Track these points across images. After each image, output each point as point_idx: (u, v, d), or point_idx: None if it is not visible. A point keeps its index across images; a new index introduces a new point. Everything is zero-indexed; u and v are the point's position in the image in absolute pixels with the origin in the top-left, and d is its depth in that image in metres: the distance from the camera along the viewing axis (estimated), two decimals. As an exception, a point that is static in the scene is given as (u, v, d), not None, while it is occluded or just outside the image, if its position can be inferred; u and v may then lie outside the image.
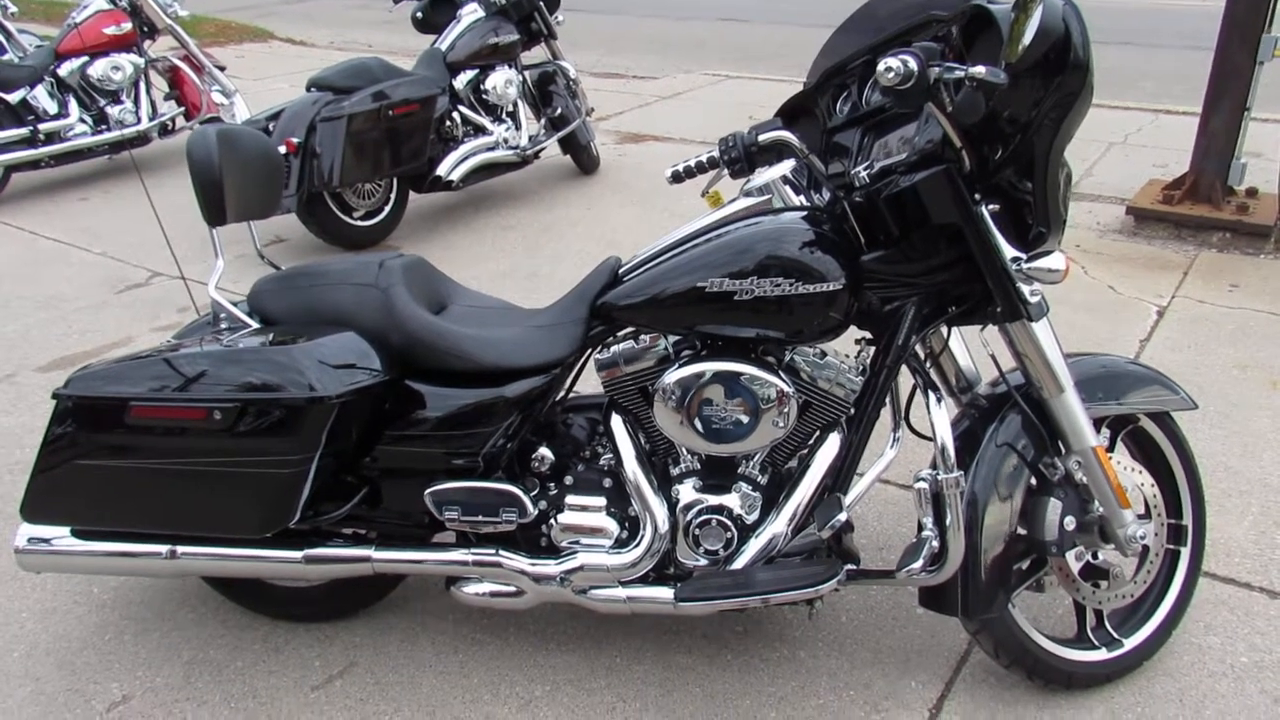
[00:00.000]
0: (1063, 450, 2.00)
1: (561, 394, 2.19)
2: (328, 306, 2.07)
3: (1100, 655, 2.10)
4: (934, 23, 1.84)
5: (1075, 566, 2.04)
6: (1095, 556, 2.06)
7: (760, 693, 2.14)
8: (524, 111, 5.30)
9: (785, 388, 1.91)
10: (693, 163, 2.04)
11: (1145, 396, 2.09)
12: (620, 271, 2.03)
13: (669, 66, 8.82)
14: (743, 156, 1.97)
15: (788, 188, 2.05)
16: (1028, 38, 1.59)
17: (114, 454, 1.93)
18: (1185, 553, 2.19)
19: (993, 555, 1.95)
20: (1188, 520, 2.19)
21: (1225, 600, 2.38)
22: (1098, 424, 2.11)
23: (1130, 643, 2.13)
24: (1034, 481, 2.02)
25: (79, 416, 1.92)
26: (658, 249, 1.99)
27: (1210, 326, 3.80)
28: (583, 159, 5.71)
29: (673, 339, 2.00)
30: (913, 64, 1.59)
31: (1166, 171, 5.22)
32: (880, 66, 1.59)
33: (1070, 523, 2.00)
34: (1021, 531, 2.02)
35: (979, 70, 1.54)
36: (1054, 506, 1.99)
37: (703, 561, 2.04)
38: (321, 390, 1.87)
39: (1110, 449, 2.14)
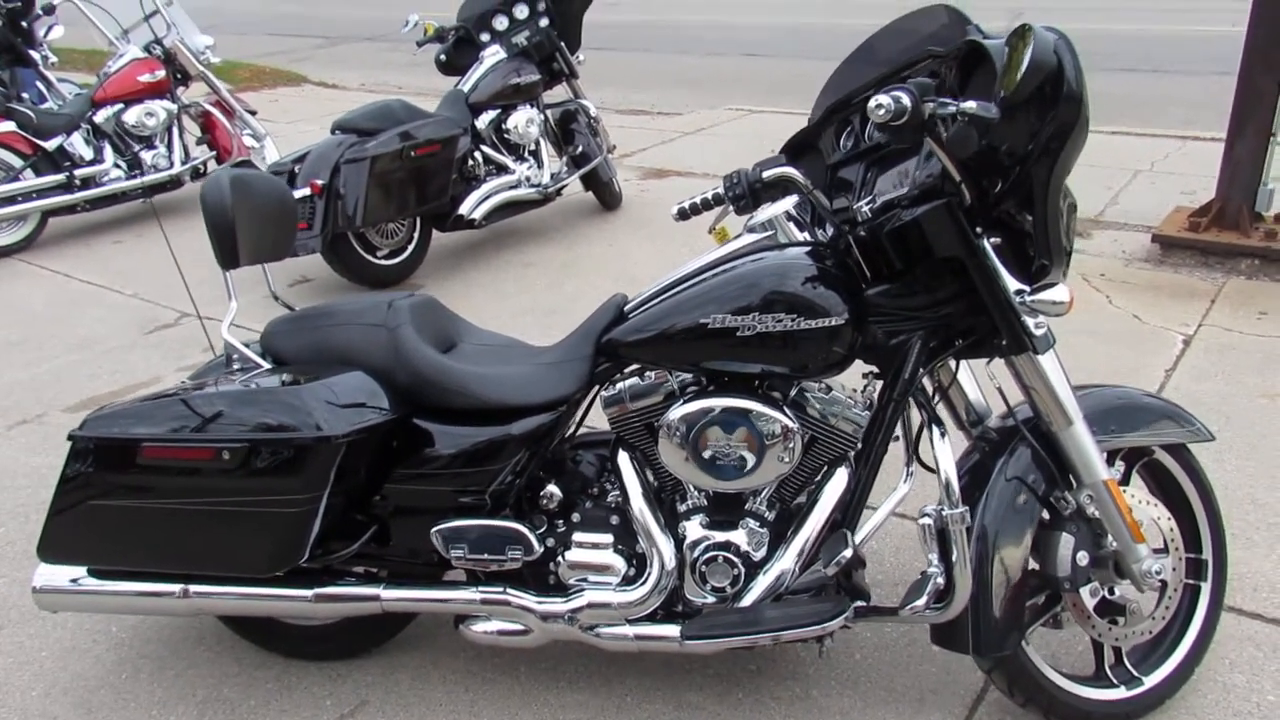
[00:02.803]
0: (1074, 484, 1.98)
1: (571, 430, 2.21)
2: (337, 346, 2.10)
3: (1119, 694, 2.06)
4: (932, 59, 1.85)
5: (1090, 602, 2.00)
6: (1111, 592, 2.02)
7: (771, 732, 2.12)
8: (546, 150, 5.37)
9: (790, 424, 1.91)
10: (698, 199, 2.06)
11: (1159, 429, 2.06)
12: (625, 308, 2.04)
13: (694, 102, 8.88)
14: (747, 193, 1.99)
15: (792, 225, 2.06)
16: (1021, 71, 1.59)
17: (127, 494, 1.96)
18: (1206, 588, 2.15)
19: (1003, 591, 1.92)
20: (1207, 555, 2.14)
21: (1251, 636, 2.32)
22: (1112, 457, 2.09)
23: (1150, 681, 2.08)
24: (1046, 516, 2.00)
25: (93, 457, 1.95)
26: (662, 285, 2.00)
27: (1238, 355, 3.73)
28: (605, 195, 5.76)
29: (678, 375, 2.01)
30: (905, 100, 1.60)
31: (1194, 199, 5.17)
32: (871, 104, 1.60)
33: (1083, 558, 1.97)
34: (1034, 567, 1.99)
35: (970, 105, 1.55)
36: (1066, 541, 1.96)
37: (710, 599, 2.03)
38: (328, 430, 1.90)
39: (1125, 482, 2.11)
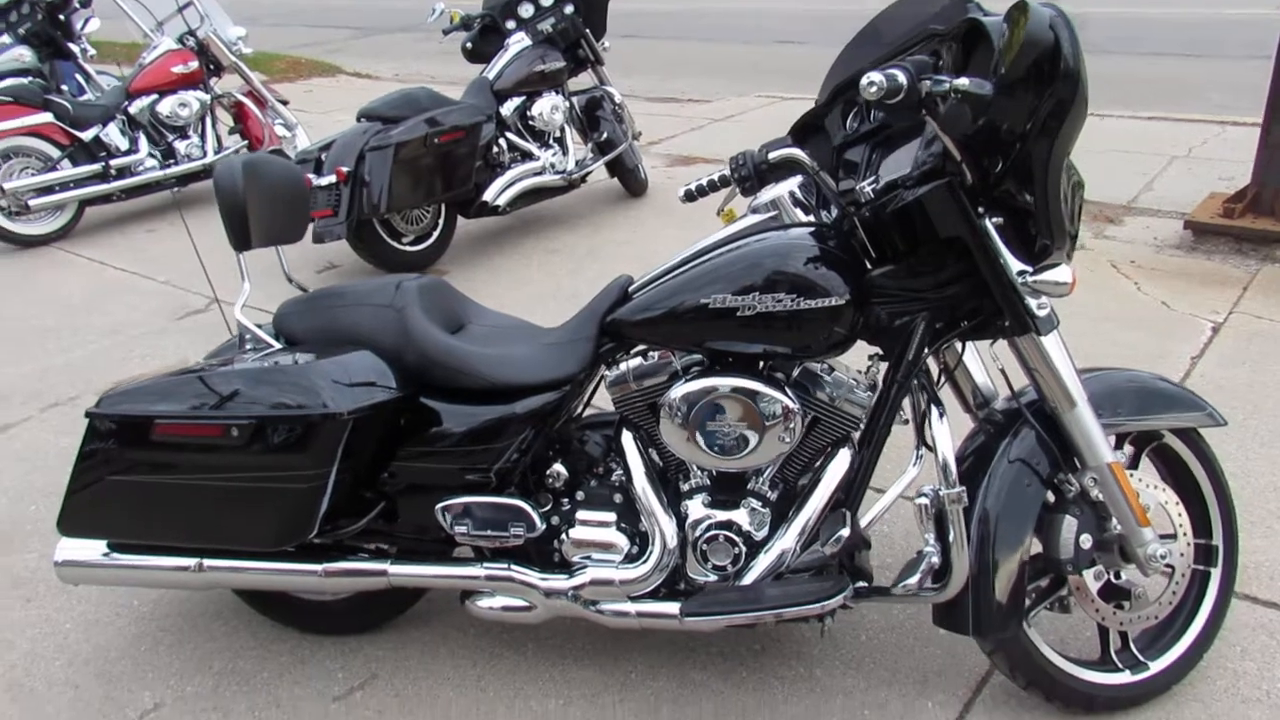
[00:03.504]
0: (1078, 466, 1.96)
1: (578, 411, 2.23)
2: (346, 327, 2.13)
3: (1124, 678, 2.05)
4: (936, 38, 1.84)
5: (1094, 586, 1.99)
6: (1117, 576, 2.01)
7: (773, 711, 2.13)
8: (571, 136, 5.38)
9: (791, 404, 1.91)
10: (704, 181, 2.07)
11: (1169, 412, 2.04)
12: (630, 289, 2.05)
13: (724, 89, 8.86)
14: (753, 174, 1.99)
15: (798, 209, 2.06)
16: (1017, 48, 1.58)
17: (141, 470, 2.01)
18: (1216, 574, 2.12)
19: (1004, 573, 1.91)
20: (1218, 540, 2.12)
21: (1265, 625, 2.29)
22: (1120, 440, 2.07)
23: (1156, 666, 2.06)
24: (1050, 498, 1.98)
25: (109, 434, 2.01)
26: (667, 266, 2.02)
27: (1268, 343, 3.67)
28: (630, 182, 5.77)
29: (682, 355, 2.02)
30: (901, 78, 1.60)
31: (1232, 185, 5.07)
32: (863, 82, 1.59)
33: (1086, 541, 1.95)
34: (1037, 549, 1.98)
35: (962, 82, 1.54)
36: (1069, 524, 1.95)
37: (712, 577, 2.04)
38: (334, 407, 1.93)
39: (1134, 466, 2.10)
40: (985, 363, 2.11)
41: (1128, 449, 2.11)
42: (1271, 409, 3.21)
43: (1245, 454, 2.94)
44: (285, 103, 6.32)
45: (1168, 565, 1.99)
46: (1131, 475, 1.99)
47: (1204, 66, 8.90)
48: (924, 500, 1.90)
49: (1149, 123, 6.84)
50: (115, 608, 2.54)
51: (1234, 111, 7.02)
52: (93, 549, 2.16)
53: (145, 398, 2.01)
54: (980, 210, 1.79)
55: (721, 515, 2.01)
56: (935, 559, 1.89)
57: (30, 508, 3.02)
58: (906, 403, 2.01)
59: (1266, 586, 2.42)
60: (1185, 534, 2.05)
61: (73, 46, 6.67)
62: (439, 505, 2.08)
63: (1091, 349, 3.52)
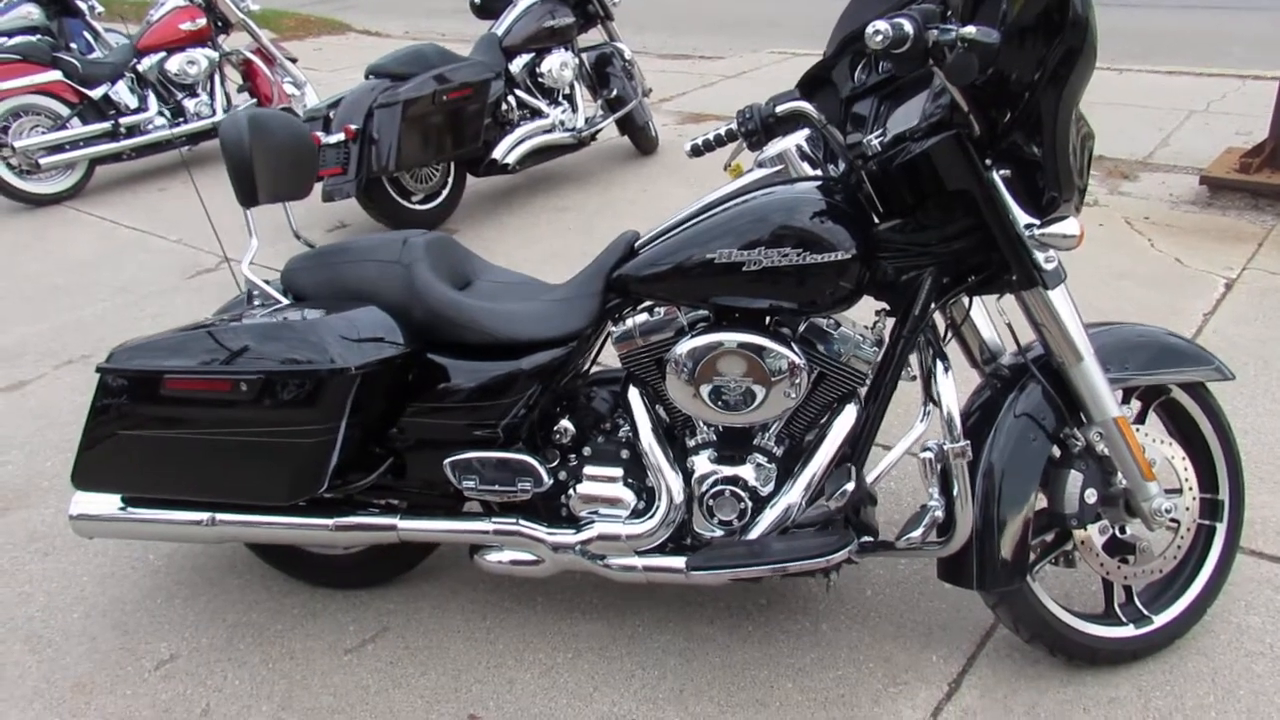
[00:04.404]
0: (1084, 421, 1.96)
1: (585, 367, 2.23)
2: (353, 282, 2.14)
3: (1128, 632, 2.06)
4: (944, -14, 1.81)
5: (1099, 540, 1.99)
6: (1122, 531, 2.01)
7: (778, 664, 2.15)
8: (581, 93, 5.34)
9: (797, 359, 1.91)
10: (711, 136, 2.04)
11: (1176, 367, 2.03)
12: (636, 245, 2.05)
13: (738, 46, 8.75)
14: (760, 128, 1.97)
15: (805, 163, 2.04)
16: (1027, -4, 1.55)
17: (152, 424, 2.03)
18: (1221, 529, 2.12)
19: (1010, 527, 1.91)
20: (1224, 495, 2.12)
21: (1271, 579, 2.30)
22: (1127, 395, 2.07)
23: (1160, 619, 2.07)
24: (1056, 453, 1.98)
25: (119, 389, 2.02)
26: (674, 221, 2.01)
27: (1282, 299, 3.64)
28: (640, 140, 5.72)
29: (688, 311, 2.02)
30: (907, 27, 1.57)
31: (1250, 140, 4.99)
32: (869, 30, 1.57)
33: (1091, 495, 1.95)
34: (1042, 504, 1.99)
35: (969, 30, 1.52)
36: (1074, 479, 1.95)
37: (718, 532, 2.05)
38: (341, 362, 1.94)
39: (1141, 420, 2.09)
40: (992, 318, 2.10)
41: (1135, 404, 2.11)
42: (1283, 366, 3.19)
43: (1255, 410, 2.93)
44: (294, 60, 6.29)
45: (1173, 520, 1.99)
46: (1138, 430, 1.98)
47: (1229, 19, 8.73)
48: (928, 455, 1.90)
49: (1168, 77, 6.73)
50: (131, 561, 2.58)
51: (1256, 65, 6.90)
52: (107, 503, 2.19)
53: (155, 353, 2.03)
54: (988, 163, 1.77)
55: (728, 470, 2.02)
56: (939, 513, 1.90)
57: (46, 463, 3.06)
58: (914, 359, 2.01)
59: (1273, 541, 2.42)
60: (1191, 488, 2.05)
61: (80, 4, 6.64)
62: (447, 460, 2.10)
63: (1104, 305, 3.50)
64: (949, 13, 1.70)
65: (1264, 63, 6.94)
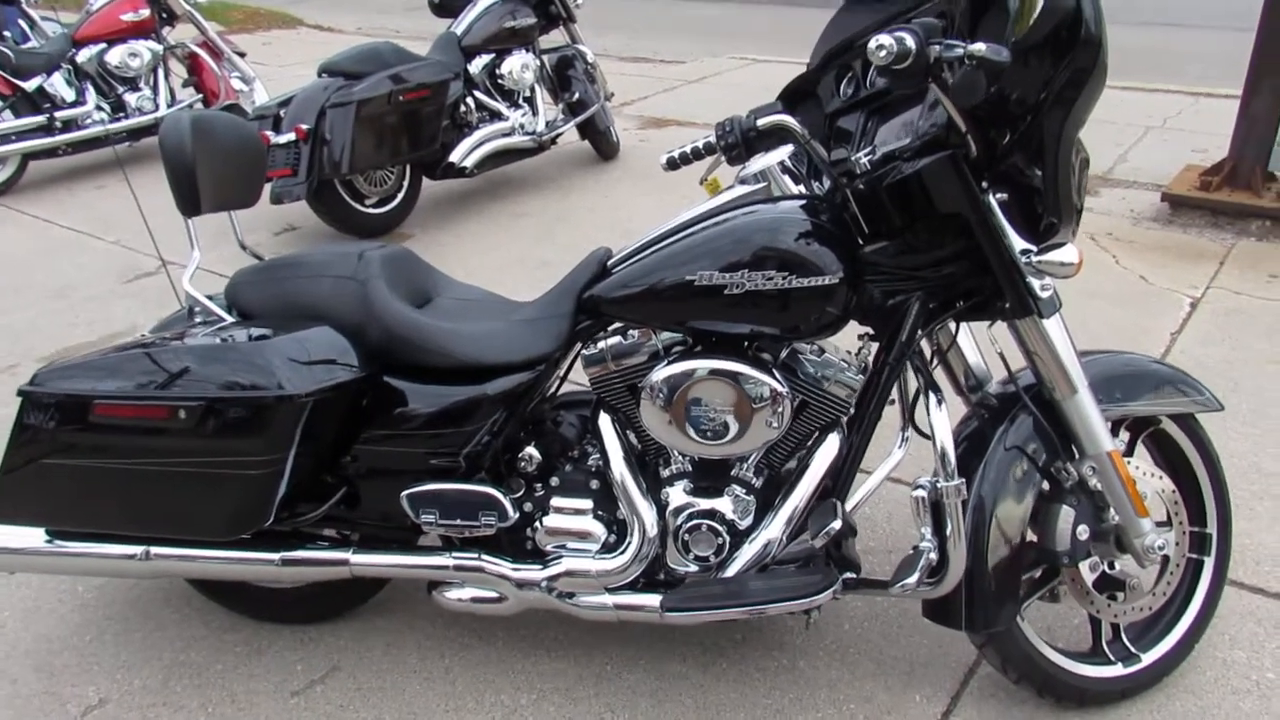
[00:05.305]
0: (1076, 454, 1.88)
1: (552, 390, 2.11)
2: (305, 299, 1.99)
3: (1116, 671, 1.99)
4: (940, -1, 1.73)
5: (1090, 578, 1.92)
6: (1111, 567, 1.94)
7: (755, 705, 2.05)
8: (541, 96, 5.21)
9: (779, 387, 1.81)
10: (689, 149, 1.94)
11: (1167, 398, 1.96)
12: (609, 263, 1.93)
13: (698, 50, 8.68)
14: (740, 142, 1.86)
15: (787, 177, 1.94)
16: (1036, 12, 1.47)
17: (80, 453, 1.87)
18: (1209, 562, 2.06)
19: (999, 565, 1.83)
20: (1212, 528, 2.06)
21: (1253, 611, 2.25)
22: (1116, 426, 2.00)
23: (1148, 658, 2.01)
24: (1046, 487, 1.91)
25: (44, 414, 1.86)
26: (648, 239, 1.90)
27: (1246, 319, 3.63)
28: (601, 145, 5.61)
29: (663, 334, 1.90)
30: (910, 41, 1.48)
31: (1206, 157, 5.03)
32: (872, 44, 1.47)
33: (1084, 531, 1.88)
34: (1031, 540, 1.91)
35: (979, 47, 1.43)
36: (1066, 514, 1.87)
37: (693, 568, 1.94)
38: (291, 388, 1.80)
39: (1129, 452, 2.02)
40: (981, 344, 2.02)
41: (1123, 435, 2.04)
42: (1250, 387, 3.17)
43: (1226, 434, 2.89)
44: (242, 55, 6.07)
45: (1163, 555, 1.92)
46: (1128, 462, 1.91)
47: (1183, 36, 8.86)
48: (921, 493, 1.80)
49: (1124, 92, 6.78)
50: (58, 594, 2.40)
51: (1209, 82, 6.98)
52: (30, 535, 2.01)
53: (85, 375, 1.86)
54: (984, 185, 1.68)
55: (704, 503, 1.91)
56: (934, 554, 1.80)
57: (-32, 484, 2.85)
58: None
59: (1253, 572, 2.37)
60: (1181, 522, 1.99)
61: (15, -9, 6.34)
62: (404, 492, 1.96)
63: (1073, 324, 3.43)
64: (950, 27, 1.62)
65: (1217, 80, 7.03)
